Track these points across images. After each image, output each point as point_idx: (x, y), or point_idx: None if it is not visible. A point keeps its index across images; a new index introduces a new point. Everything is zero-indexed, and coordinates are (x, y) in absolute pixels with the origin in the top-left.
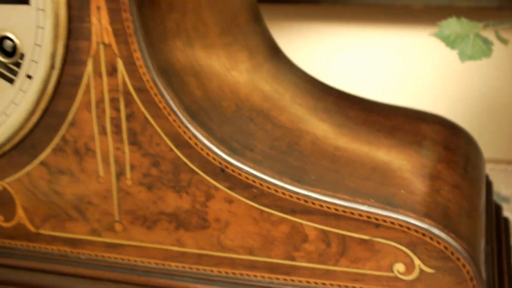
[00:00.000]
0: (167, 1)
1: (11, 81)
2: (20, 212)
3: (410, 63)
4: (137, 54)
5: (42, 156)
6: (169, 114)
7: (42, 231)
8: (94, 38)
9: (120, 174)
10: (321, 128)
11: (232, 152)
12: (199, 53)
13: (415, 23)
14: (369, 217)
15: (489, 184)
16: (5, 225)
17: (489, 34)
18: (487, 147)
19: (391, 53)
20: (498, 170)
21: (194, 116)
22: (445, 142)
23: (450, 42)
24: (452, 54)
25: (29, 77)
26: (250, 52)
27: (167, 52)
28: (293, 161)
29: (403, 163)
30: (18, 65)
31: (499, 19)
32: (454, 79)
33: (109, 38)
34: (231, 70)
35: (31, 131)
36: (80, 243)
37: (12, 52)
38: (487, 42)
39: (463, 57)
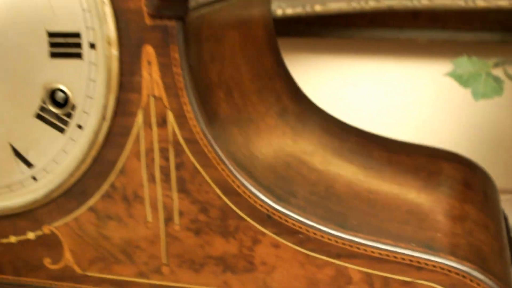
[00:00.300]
0: (209, 52)
1: (62, 130)
2: (67, 255)
3: (418, 96)
4: (187, 107)
5: (91, 202)
6: (218, 164)
7: (89, 273)
8: (144, 91)
9: (168, 220)
10: (351, 171)
11: (278, 199)
12: (238, 101)
13: (420, 56)
14: (411, 261)
15: (505, 219)
16: (53, 267)
17: (498, 71)
18: (497, 178)
19: (399, 87)
20: (504, 200)
21: (240, 164)
22: (466, 180)
23: (464, 81)
24: (461, 89)
25: (79, 127)
26: (278, 95)
27: (213, 103)
28: (333, 206)
29: (433, 204)
30: (69, 115)
31: (506, 57)
32: (463, 113)
33: (160, 91)
34: (264, 116)
35: (81, 178)
36: (127, 285)
37: (64, 104)
38: (498, 81)
39: (476, 96)
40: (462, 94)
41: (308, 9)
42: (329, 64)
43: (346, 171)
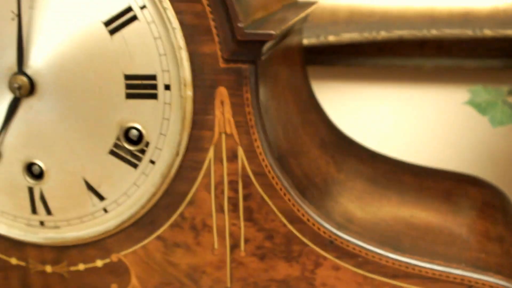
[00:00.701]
0: (270, 89)
1: (134, 166)
2: (134, 281)
3: (427, 121)
4: (257, 143)
5: (159, 231)
6: (285, 194)
7: None
8: (216, 129)
9: (234, 246)
10: (390, 196)
11: (338, 225)
12: (291, 135)
13: (426, 82)
14: (462, 280)
15: None
16: None
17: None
18: None
19: (410, 112)
20: None
21: (303, 194)
22: (492, 203)
23: (482, 109)
24: (472, 115)
25: (152, 162)
26: (315, 126)
27: (275, 137)
28: (385, 231)
29: (471, 227)
30: (142, 151)
31: (510, 83)
32: (479, 137)
33: (231, 128)
34: (310, 147)
35: (151, 209)
36: None
37: (137, 141)
38: None
39: (494, 123)
40: (475, 120)
41: (322, 39)
42: (340, 91)
43: (386, 197)
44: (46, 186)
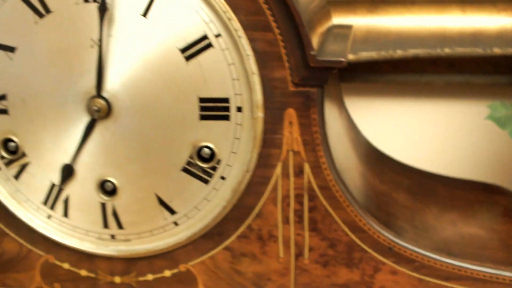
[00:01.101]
0: (327, 108)
1: (206, 181)
2: None
3: (442, 134)
4: (322, 159)
5: (227, 242)
6: (348, 206)
7: None
8: (284, 147)
9: (299, 255)
10: (429, 205)
11: (396, 233)
12: (341, 149)
13: (439, 98)
14: (511, 281)
15: None
16: None
17: None
18: None
19: (428, 126)
20: None
21: (362, 205)
22: None
23: (501, 123)
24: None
25: (223, 178)
26: (355, 140)
27: (338, 154)
28: (434, 237)
29: (509, 234)
30: (214, 168)
31: None
32: (500, 149)
33: (299, 146)
34: (356, 160)
35: (220, 222)
36: None
37: (209, 158)
38: None
39: None
40: (496, 133)
41: None
42: (357, 106)
43: (428, 207)
44: (118, 202)
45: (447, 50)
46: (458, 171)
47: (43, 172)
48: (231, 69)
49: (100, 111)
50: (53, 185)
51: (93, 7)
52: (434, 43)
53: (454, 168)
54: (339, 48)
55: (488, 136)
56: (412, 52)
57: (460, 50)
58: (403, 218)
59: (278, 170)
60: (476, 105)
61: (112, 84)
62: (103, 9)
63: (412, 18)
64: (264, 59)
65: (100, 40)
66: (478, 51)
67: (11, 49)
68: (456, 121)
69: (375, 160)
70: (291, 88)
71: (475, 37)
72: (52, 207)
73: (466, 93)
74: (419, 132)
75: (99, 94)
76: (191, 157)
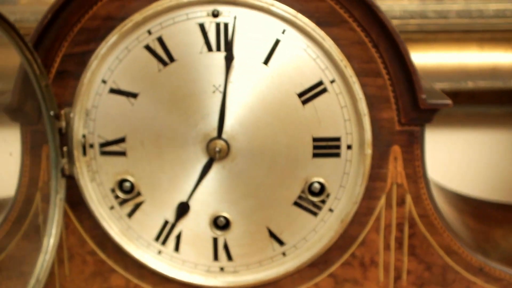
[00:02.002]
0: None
1: (315, 214)
2: None
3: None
4: (423, 190)
5: (332, 269)
6: (444, 231)
7: None
8: (389, 180)
9: (397, 278)
10: (493, 228)
11: (486, 255)
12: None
13: (459, 127)
14: None
15: None
16: None
17: None
18: None
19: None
20: None
21: (456, 230)
22: None
23: None
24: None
25: (331, 210)
26: None
27: None
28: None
29: None
30: (323, 202)
31: None
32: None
33: (402, 179)
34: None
35: (326, 251)
36: None
37: (318, 192)
38: None
39: None
40: None
41: None
42: None
43: (492, 230)
44: (230, 236)
45: (470, 84)
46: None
47: (158, 210)
48: (343, 111)
49: (221, 152)
50: (166, 222)
51: (217, 56)
52: (457, 78)
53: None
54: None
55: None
56: (438, 86)
57: (481, 84)
58: (477, 239)
59: (382, 201)
60: (493, 133)
61: (231, 126)
62: (230, 59)
63: (434, 54)
64: (373, 102)
65: (225, 86)
66: (499, 84)
67: (133, 95)
68: (476, 148)
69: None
70: (397, 127)
71: (494, 72)
72: (163, 243)
73: (485, 121)
74: (444, 159)
75: (220, 136)
76: (302, 191)
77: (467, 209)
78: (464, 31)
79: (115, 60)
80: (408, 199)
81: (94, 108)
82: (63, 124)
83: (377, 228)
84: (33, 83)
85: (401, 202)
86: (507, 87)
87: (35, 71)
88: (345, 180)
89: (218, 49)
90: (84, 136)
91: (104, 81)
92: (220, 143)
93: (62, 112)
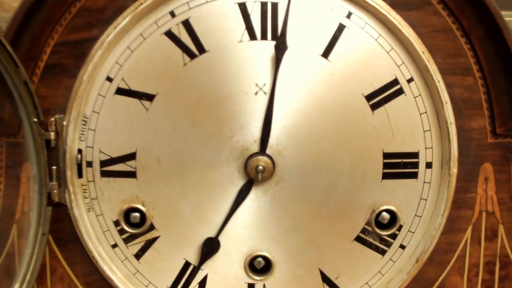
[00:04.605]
0: None
1: (382, 252)
2: None
3: None
4: None
5: None
6: None
7: None
8: (477, 208)
9: None
10: None
11: None
12: None
13: None
14: None
15: None
16: None
17: None
18: None
19: None
20: None
21: None
22: None
23: None
24: None
25: (402, 247)
26: None
27: None
28: None
29: None
30: (393, 236)
31: None
32: None
33: (493, 206)
34: None
35: None
36: None
37: (387, 224)
38: None
39: None
40: None
41: None
42: None
43: None
44: (271, 281)
45: None
46: None
47: (176, 248)
48: (423, 118)
49: (264, 171)
50: (187, 264)
51: (262, 46)
52: None
53: None
54: None
55: None
56: None
57: None
58: None
59: (468, 234)
60: None
61: (278, 139)
62: (281, 48)
63: None
64: (460, 107)
65: (273, 86)
66: None
67: (149, 97)
68: None
69: None
70: (490, 140)
71: None
72: None
73: None
74: None
75: (263, 151)
76: (367, 223)
77: None
78: None
79: (126, 51)
80: (501, 231)
81: (95, 114)
82: (52, 135)
83: (460, 269)
84: (6, 79)
85: (491, 236)
86: None
87: (4, 62)
88: (421, 207)
89: (264, 36)
90: (80, 151)
91: (109, 79)
92: (263, 160)
93: (52, 119)
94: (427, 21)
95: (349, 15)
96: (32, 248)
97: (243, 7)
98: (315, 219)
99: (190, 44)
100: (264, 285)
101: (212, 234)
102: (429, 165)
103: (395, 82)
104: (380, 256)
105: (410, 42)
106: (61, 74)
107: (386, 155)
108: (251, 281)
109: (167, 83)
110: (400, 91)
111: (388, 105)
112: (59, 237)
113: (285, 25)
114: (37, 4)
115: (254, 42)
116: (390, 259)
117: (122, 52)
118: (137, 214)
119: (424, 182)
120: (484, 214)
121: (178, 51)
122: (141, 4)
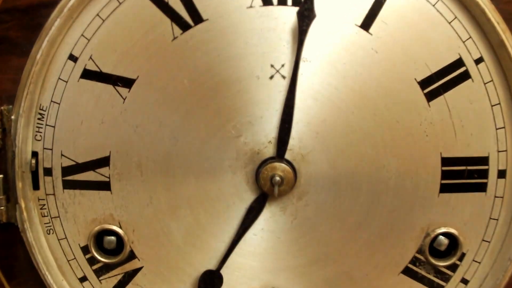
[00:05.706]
0: None
1: None
2: None
3: None
4: None
5: None
6: None
7: None
8: None
9: None
10: None
11: None
12: None
13: None
14: None
15: None
16: None
17: None
18: None
19: None
20: None
21: None
22: None
23: None
24: None
25: (464, 282)
26: None
27: None
28: None
29: None
30: (453, 267)
31: None
32: None
33: None
34: None
35: None
36: None
37: (445, 252)
38: None
39: None
40: None
41: None
42: None
43: None
44: None
45: None
46: None
47: (164, 284)
48: (495, 112)
49: (283, 183)
50: None
51: (280, 13)
52: None
53: None
54: None
55: None
56: None
57: None
58: None
59: None
60: None
61: (301, 139)
62: (307, 17)
63: None
64: None
65: (295, 68)
66: None
67: (126, 82)
68: None
69: None
70: None
71: None
72: None
73: None
74: None
75: (281, 156)
76: (419, 251)
77: None
78: None
79: (95, 20)
80: None
81: (55, 104)
82: None
83: None
84: None
85: None
86: None
87: None
88: (490, 230)
89: (283, 0)
90: (35, 154)
91: (73, 58)
92: (281, 169)
93: None
94: None
95: None
96: None
97: None
98: (350, 246)
99: (182, 10)
100: None
101: (212, 266)
102: (502, 174)
103: (459, 63)
104: None
105: (480, 9)
106: (8, 51)
107: (446, 161)
108: None
109: (150, 63)
110: (465, 75)
111: (449, 94)
112: (10, 267)
113: None
114: None
115: (268, 8)
116: None
117: (90, 21)
118: (112, 238)
119: (494, 197)
120: None
121: (166, 20)
122: None
